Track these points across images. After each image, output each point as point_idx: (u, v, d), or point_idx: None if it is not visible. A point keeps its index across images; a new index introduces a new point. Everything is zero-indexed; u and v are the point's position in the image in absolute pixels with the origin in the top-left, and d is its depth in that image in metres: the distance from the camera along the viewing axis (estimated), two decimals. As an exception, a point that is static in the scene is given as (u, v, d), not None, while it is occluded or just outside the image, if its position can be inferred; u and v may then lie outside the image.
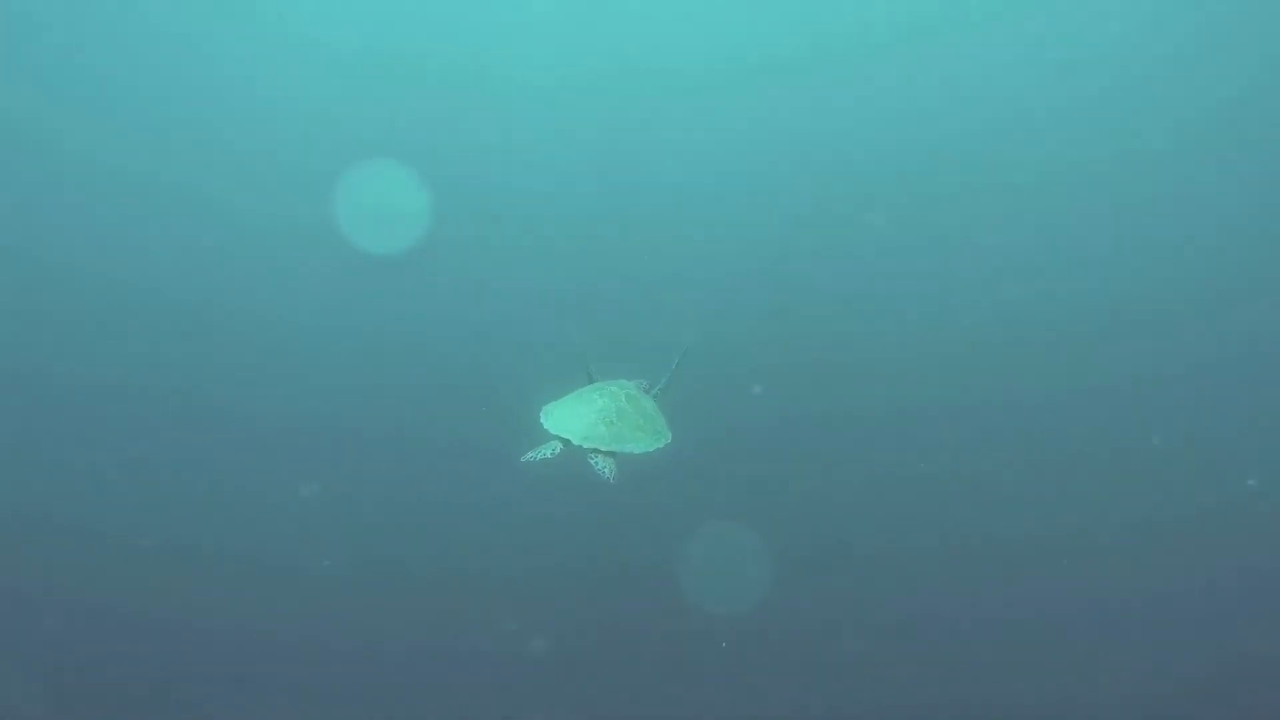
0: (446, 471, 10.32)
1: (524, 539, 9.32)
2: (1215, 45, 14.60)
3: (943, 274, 13.97)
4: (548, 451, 5.56)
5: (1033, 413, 11.67)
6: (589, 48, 15.93)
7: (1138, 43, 14.81)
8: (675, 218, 15.07)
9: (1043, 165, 14.84)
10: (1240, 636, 8.53)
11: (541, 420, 5.78)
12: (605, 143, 15.91)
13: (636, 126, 15.97)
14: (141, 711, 8.10)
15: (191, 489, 10.30)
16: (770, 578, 8.83)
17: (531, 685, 8.44)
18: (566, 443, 5.60)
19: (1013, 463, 10.81)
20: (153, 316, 12.68)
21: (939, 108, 15.74)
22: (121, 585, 8.97)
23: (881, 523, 9.96)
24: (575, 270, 14.40)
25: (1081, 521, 9.85)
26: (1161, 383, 11.78)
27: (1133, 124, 14.81)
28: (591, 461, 5.56)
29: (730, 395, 11.39)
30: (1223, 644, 8.53)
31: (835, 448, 11.01)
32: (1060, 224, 14.40)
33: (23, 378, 11.57)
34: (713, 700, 8.40)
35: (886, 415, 11.51)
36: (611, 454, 5.60)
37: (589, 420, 5.65)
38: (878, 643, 8.64)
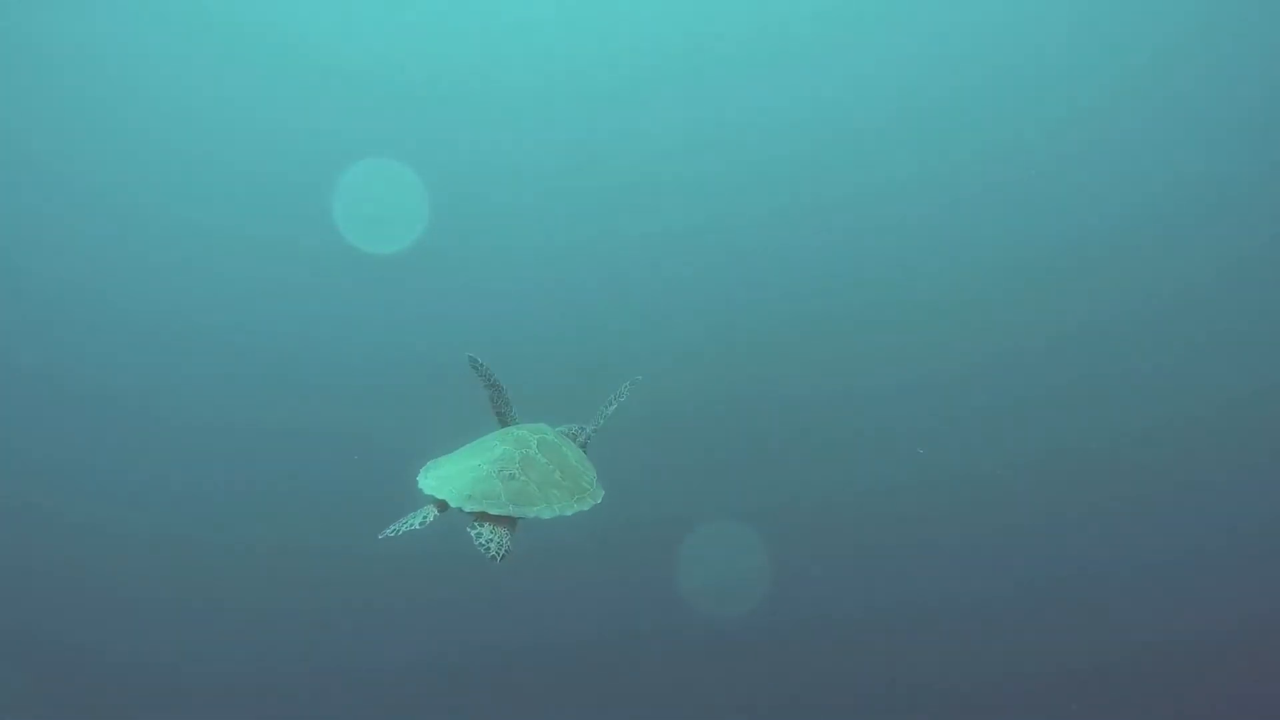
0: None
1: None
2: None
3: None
4: (416, 521, 4.03)
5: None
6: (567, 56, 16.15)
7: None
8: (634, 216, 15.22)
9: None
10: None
11: (419, 480, 4.29)
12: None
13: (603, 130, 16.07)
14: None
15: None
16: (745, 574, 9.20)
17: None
18: (445, 506, 4.09)
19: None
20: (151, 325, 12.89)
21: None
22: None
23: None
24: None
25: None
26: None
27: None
28: (471, 532, 3.95)
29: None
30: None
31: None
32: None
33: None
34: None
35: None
36: (510, 520, 4.05)
37: (480, 473, 4.13)
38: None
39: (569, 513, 4.14)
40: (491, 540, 3.92)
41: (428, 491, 4.15)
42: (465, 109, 15.40)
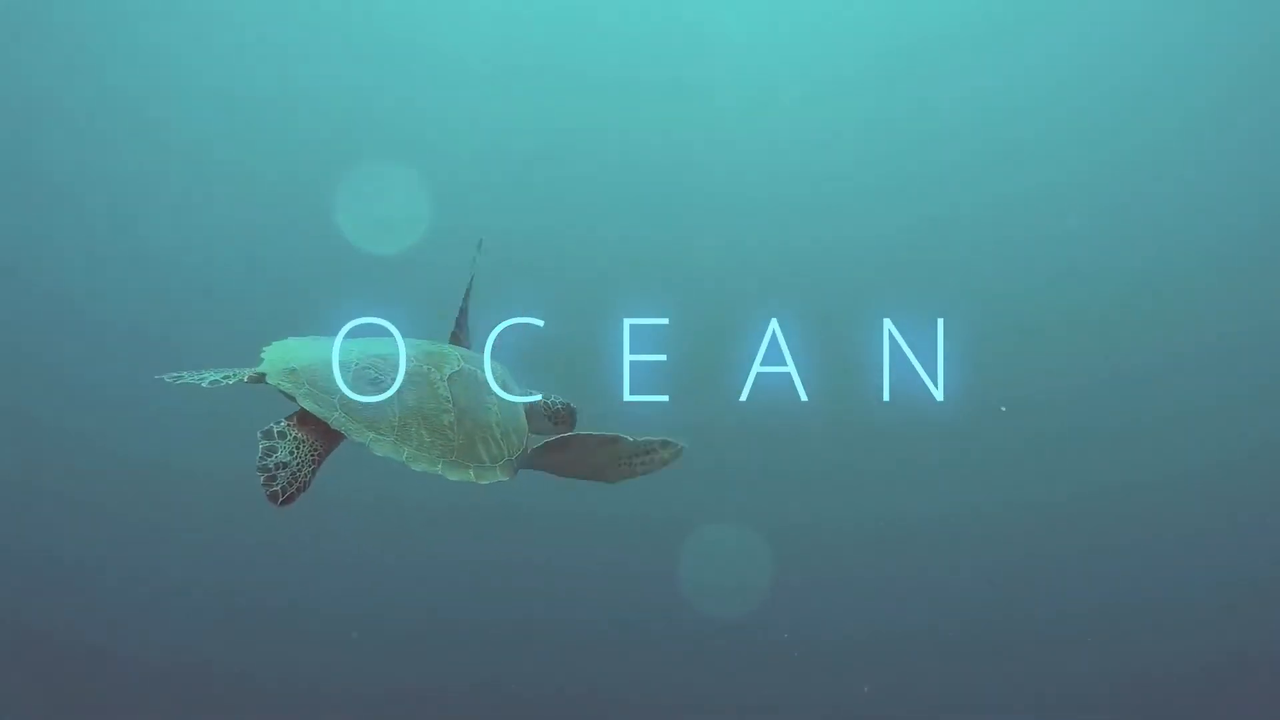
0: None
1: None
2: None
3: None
4: (205, 380, 2.88)
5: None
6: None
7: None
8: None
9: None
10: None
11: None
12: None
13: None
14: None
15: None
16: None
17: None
18: (261, 380, 2.91)
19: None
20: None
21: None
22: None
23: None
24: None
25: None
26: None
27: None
28: (261, 444, 2.74)
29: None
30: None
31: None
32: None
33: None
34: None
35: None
36: (326, 437, 2.86)
37: (335, 359, 2.96)
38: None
39: (415, 467, 2.87)
40: (283, 467, 2.70)
41: (264, 351, 3.05)
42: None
